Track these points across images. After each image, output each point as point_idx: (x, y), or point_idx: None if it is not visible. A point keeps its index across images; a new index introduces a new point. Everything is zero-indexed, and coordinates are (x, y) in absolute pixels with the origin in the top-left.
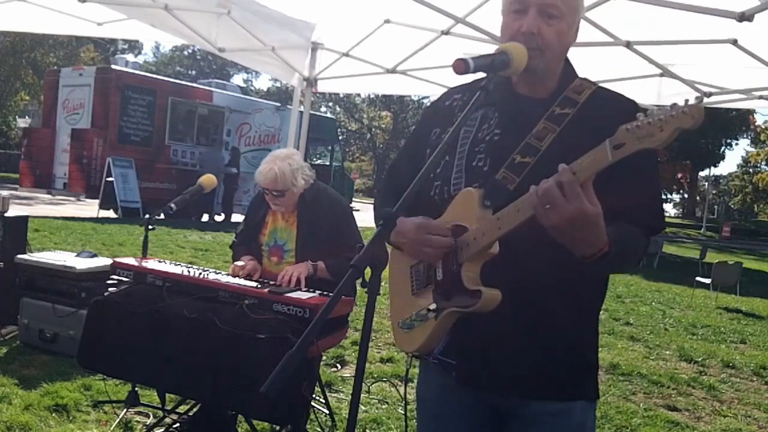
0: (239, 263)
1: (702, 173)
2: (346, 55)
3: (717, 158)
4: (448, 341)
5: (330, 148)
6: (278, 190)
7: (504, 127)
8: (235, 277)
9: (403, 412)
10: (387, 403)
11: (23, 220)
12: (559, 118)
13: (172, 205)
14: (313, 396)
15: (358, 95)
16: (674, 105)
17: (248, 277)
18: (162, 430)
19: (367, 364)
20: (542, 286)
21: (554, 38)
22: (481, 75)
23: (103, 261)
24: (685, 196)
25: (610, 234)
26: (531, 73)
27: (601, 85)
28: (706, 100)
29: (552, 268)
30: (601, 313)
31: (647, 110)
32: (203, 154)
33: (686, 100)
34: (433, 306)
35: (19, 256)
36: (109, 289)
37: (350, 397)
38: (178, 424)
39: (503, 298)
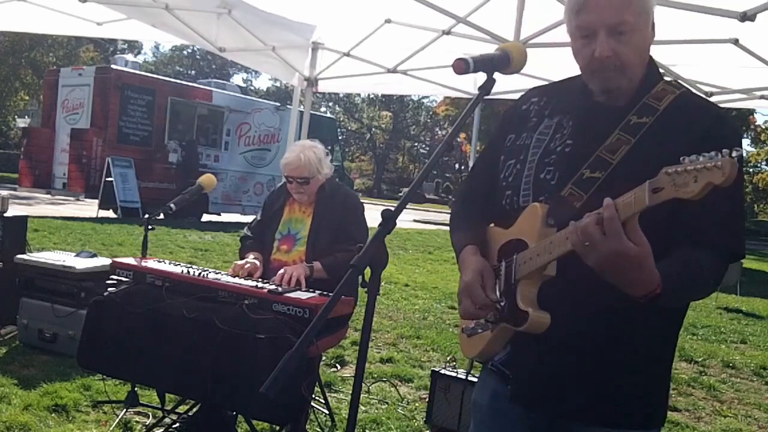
0: (240, 262)
1: None
2: (347, 54)
3: None
4: (510, 352)
5: (330, 148)
6: (303, 178)
7: (576, 138)
8: (235, 275)
9: (402, 412)
10: (387, 403)
11: (23, 220)
12: (635, 128)
13: (172, 205)
14: (313, 396)
15: (358, 95)
16: (713, 155)
17: (248, 276)
18: (161, 430)
19: (367, 364)
20: (603, 312)
21: (632, 53)
22: (558, 78)
23: (102, 261)
24: None
25: (666, 271)
26: (615, 92)
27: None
28: None
29: (614, 294)
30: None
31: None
32: None
33: (722, 151)
34: (491, 317)
35: (19, 256)
36: (109, 289)
37: (350, 397)
38: (177, 424)
39: (562, 321)
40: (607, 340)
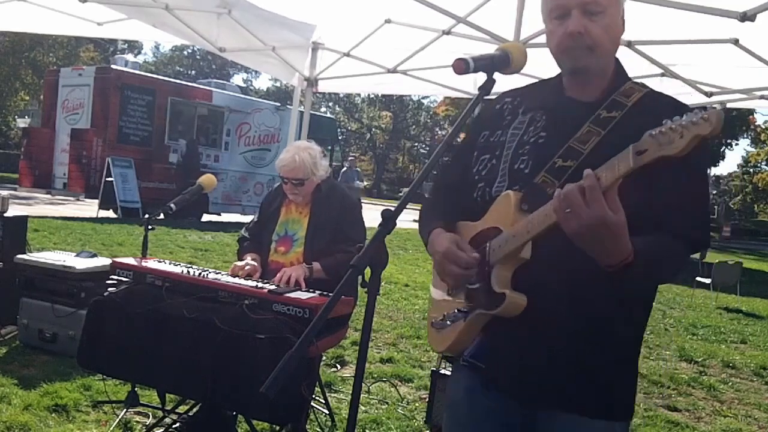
0: (239, 263)
1: None
2: (347, 55)
3: (717, 158)
4: (479, 344)
5: (330, 148)
6: (298, 179)
7: (549, 130)
8: (234, 276)
9: (402, 412)
10: (387, 403)
11: (23, 220)
12: (605, 121)
13: (172, 205)
14: (313, 396)
15: (358, 95)
16: (696, 111)
17: (248, 277)
18: (162, 430)
19: (367, 364)
20: (574, 298)
21: (602, 34)
22: (534, 79)
23: (102, 261)
24: None
25: (638, 244)
26: (584, 73)
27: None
28: (707, 99)
29: (584, 280)
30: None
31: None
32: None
33: (707, 107)
34: (463, 307)
35: (19, 256)
36: (109, 289)
37: (350, 397)
38: (178, 424)
39: (531, 305)
40: (577, 324)
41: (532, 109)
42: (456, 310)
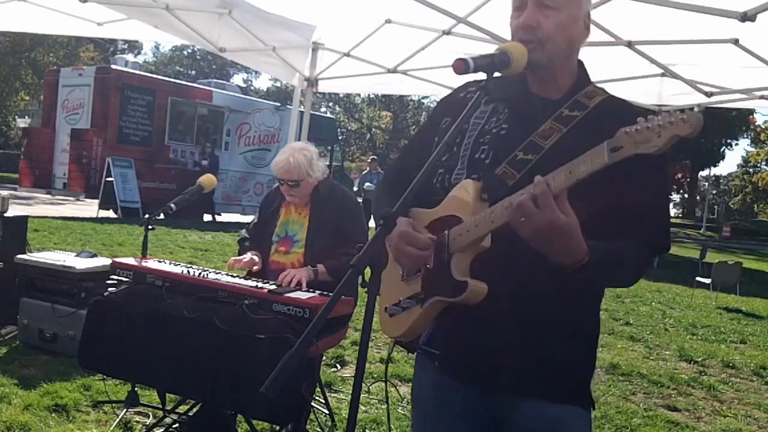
0: (238, 257)
1: (702, 173)
2: (347, 55)
3: (717, 158)
4: (432, 331)
5: (330, 148)
6: (293, 180)
7: (512, 123)
8: (230, 269)
9: (402, 412)
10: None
11: (23, 220)
12: (567, 119)
13: (172, 205)
14: (313, 396)
15: (358, 95)
16: (674, 111)
17: (248, 276)
18: (162, 430)
19: (367, 364)
20: (532, 283)
21: (553, 29)
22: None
23: (102, 261)
24: (685, 196)
25: (594, 246)
26: (535, 68)
27: (603, 85)
28: (707, 99)
29: (544, 267)
30: (601, 313)
31: (650, 115)
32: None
33: (688, 108)
34: (420, 294)
35: (19, 256)
36: (109, 289)
37: (350, 397)
38: (178, 424)
39: (492, 292)
40: (535, 310)
41: (494, 100)
42: (412, 297)
